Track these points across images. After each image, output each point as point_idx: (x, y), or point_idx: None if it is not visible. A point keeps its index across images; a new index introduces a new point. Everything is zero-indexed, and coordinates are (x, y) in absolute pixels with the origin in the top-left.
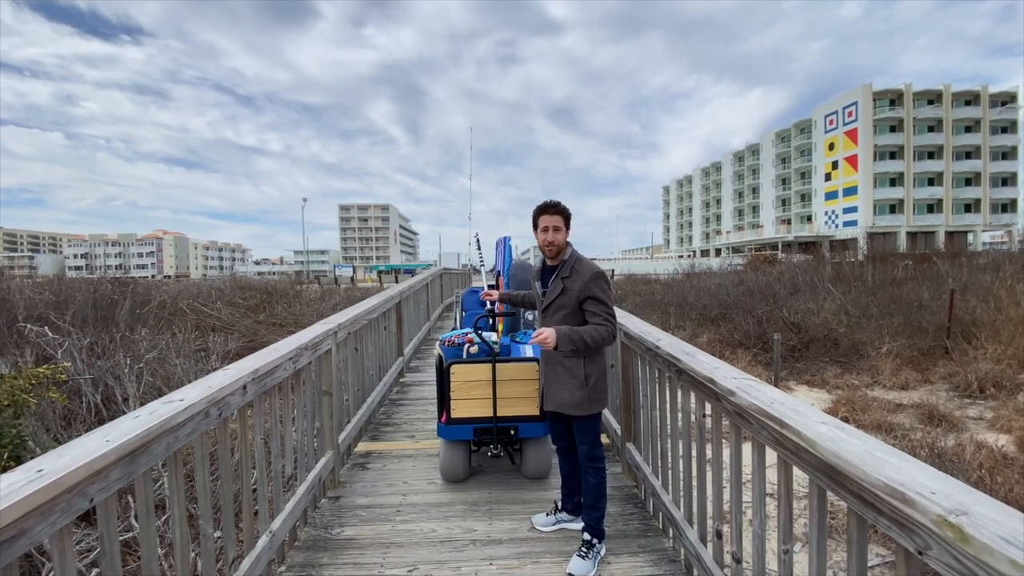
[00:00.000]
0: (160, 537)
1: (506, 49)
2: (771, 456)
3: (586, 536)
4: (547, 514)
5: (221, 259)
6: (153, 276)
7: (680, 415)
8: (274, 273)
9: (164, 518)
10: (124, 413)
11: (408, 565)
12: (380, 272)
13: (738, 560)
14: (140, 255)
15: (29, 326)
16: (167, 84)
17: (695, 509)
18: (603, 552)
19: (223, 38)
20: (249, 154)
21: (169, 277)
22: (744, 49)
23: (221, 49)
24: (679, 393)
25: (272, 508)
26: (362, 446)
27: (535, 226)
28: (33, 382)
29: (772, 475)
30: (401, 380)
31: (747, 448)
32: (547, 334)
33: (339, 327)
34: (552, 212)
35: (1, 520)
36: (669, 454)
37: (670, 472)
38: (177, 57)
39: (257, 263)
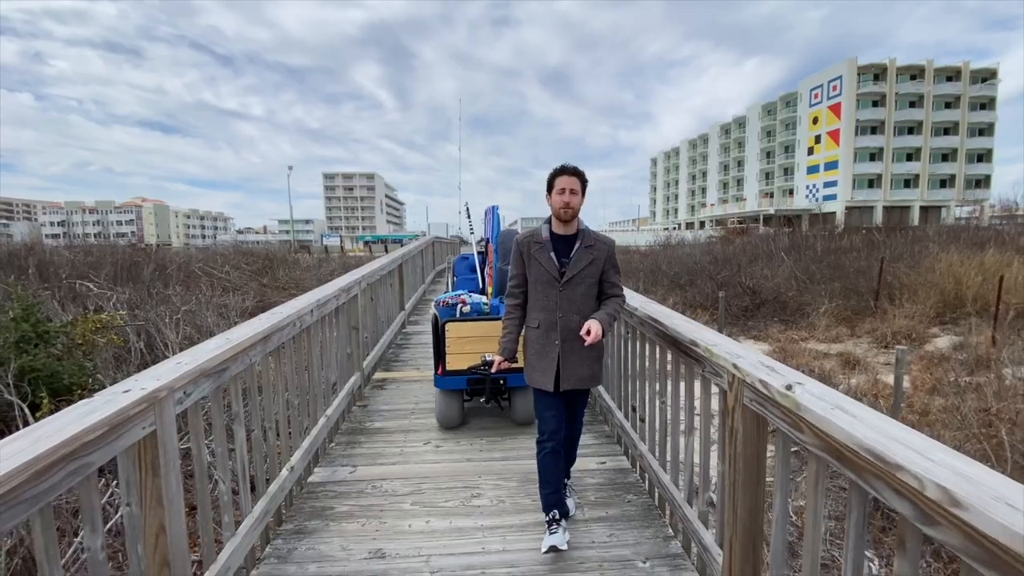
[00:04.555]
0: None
1: (499, 10)
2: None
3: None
4: (551, 532)
5: (203, 227)
6: (133, 245)
7: (616, 337)
8: (258, 243)
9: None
10: (166, 356)
11: (423, 440)
12: (368, 243)
13: (643, 420)
14: (119, 223)
15: (79, 282)
16: (141, 42)
17: (620, 397)
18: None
19: None
20: (229, 119)
21: (150, 246)
22: (743, 16)
23: (198, 4)
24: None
25: (326, 401)
26: (379, 374)
27: (550, 188)
28: (97, 326)
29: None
30: (403, 331)
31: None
32: (597, 330)
33: (363, 278)
34: (571, 174)
35: (216, 359)
36: (610, 363)
37: (609, 377)
38: (151, 12)
39: (240, 232)
